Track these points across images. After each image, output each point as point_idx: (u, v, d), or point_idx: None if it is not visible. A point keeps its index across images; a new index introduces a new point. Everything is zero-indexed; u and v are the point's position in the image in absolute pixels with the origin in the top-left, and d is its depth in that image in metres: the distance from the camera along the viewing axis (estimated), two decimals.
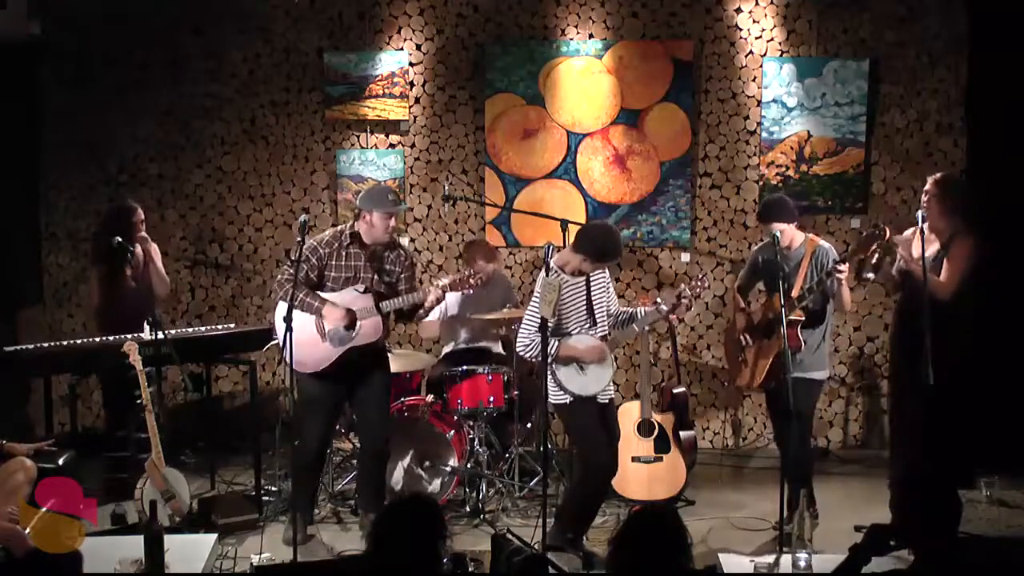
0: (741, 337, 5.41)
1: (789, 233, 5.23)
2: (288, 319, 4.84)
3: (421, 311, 5.23)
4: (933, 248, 5.37)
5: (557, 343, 4.93)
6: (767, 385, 5.27)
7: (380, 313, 5.12)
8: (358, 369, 5.23)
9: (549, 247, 4.91)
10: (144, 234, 6.05)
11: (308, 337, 5.05)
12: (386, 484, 5.46)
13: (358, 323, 5.10)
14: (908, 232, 5.49)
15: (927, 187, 5.45)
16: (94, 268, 6.11)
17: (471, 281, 5.13)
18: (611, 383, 5.09)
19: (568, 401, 4.98)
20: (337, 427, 5.82)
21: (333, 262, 5.18)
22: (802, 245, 5.27)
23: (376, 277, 5.20)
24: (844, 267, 5.00)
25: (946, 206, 5.36)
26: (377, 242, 5.20)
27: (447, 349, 6.43)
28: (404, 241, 6.94)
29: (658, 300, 5.01)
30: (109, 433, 5.98)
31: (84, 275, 6.81)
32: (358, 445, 5.67)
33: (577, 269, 4.92)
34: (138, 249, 6.03)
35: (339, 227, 5.31)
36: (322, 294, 5.13)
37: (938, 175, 5.54)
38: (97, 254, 6.09)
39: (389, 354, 6.06)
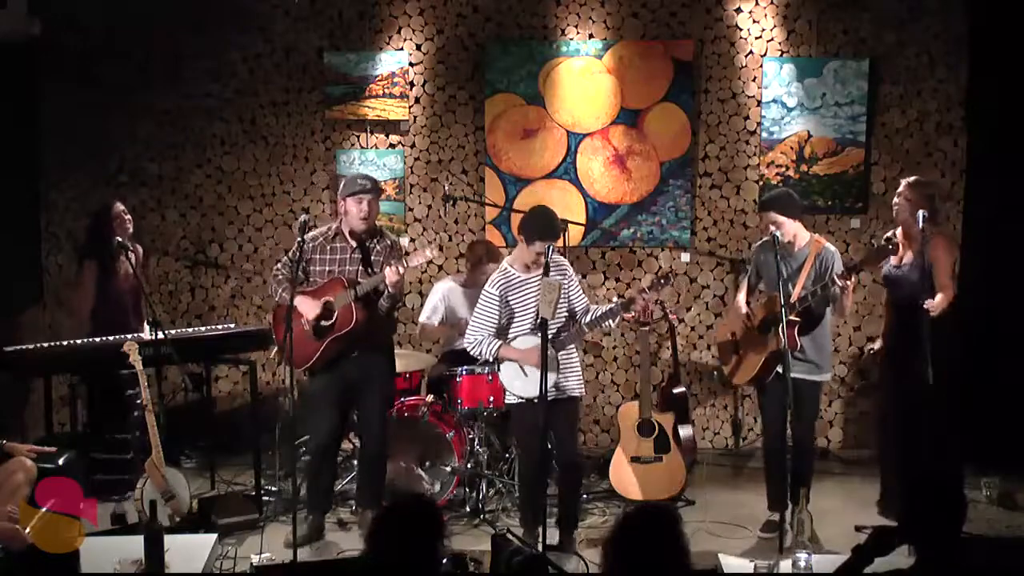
0: (737, 328, 5.32)
1: (789, 228, 5.12)
2: (288, 319, 4.86)
3: (389, 290, 5.10)
4: (907, 256, 5.28)
5: (499, 344, 5.00)
6: (760, 381, 5.21)
7: (355, 299, 5.07)
8: (361, 369, 5.24)
9: (549, 247, 4.90)
10: (120, 239, 5.65)
11: (295, 335, 4.99)
12: (385, 485, 5.45)
13: (334, 313, 5.11)
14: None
15: (901, 190, 5.32)
16: (83, 265, 5.93)
17: (421, 256, 5.11)
18: (574, 378, 5.06)
19: (513, 402, 5.09)
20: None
21: (318, 256, 5.23)
22: (807, 246, 5.16)
23: (361, 268, 5.20)
24: (848, 283, 4.87)
25: (917, 209, 5.15)
26: (355, 230, 5.19)
27: (447, 349, 6.43)
28: (404, 241, 6.94)
29: (617, 298, 4.97)
30: (93, 434, 5.78)
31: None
32: (358, 445, 5.69)
33: (525, 263, 4.96)
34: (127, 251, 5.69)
35: (331, 224, 5.36)
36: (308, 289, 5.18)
37: (911, 179, 5.44)
38: (82, 251, 6.01)
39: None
